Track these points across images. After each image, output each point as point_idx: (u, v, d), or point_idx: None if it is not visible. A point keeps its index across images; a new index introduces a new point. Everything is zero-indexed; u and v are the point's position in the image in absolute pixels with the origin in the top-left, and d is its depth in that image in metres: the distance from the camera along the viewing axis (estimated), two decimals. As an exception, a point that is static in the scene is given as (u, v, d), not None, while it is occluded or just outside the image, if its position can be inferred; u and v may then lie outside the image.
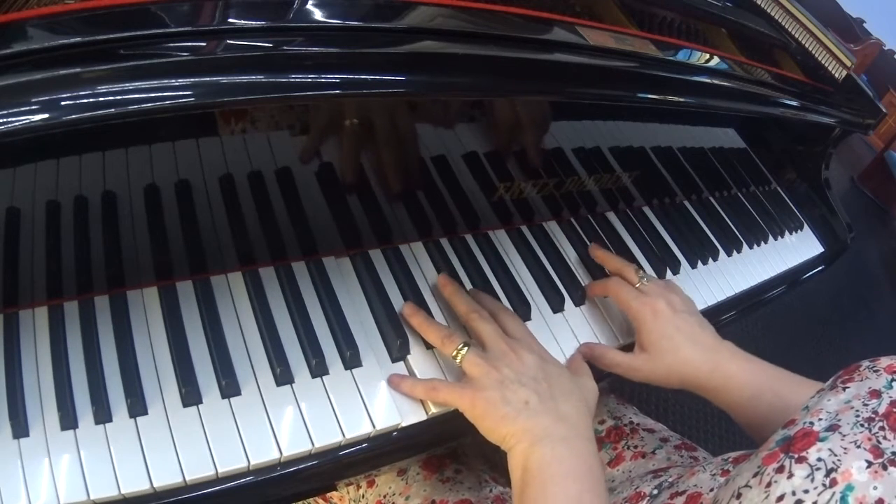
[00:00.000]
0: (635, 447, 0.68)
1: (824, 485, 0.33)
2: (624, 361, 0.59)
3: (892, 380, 0.38)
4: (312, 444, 0.46)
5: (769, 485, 0.35)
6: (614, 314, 0.65)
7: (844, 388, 0.39)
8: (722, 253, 0.81)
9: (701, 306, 0.73)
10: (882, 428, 0.35)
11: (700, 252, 0.78)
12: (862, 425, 0.35)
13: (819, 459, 0.34)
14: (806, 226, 0.99)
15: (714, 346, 0.57)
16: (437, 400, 0.50)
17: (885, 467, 0.32)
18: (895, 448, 0.34)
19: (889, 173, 3.31)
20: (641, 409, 0.78)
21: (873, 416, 0.36)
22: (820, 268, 0.95)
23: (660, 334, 0.57)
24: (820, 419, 0.37)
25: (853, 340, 2.19)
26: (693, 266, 0.77)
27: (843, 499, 0.32)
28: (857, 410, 0.36)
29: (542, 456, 0.45)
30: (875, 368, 0.39)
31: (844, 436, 0.35)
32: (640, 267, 0.64)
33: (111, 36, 0.35)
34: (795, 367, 0.56)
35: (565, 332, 0.61)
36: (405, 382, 0.51)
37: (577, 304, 0.64)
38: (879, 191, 3.35)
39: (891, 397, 0.37)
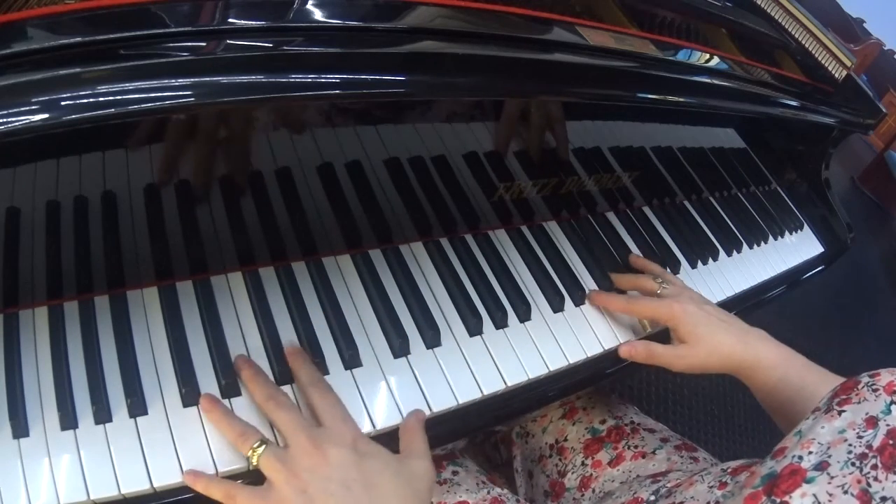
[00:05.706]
0: (636, 447, 0.68)
1: None
2: (668, 353, 0.61)
3: (892, 403, 0.35)
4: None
5: None
6: (614, 314, 0.65)
7: (840, 413, 0.36)
8: (722, 253, 0.81)
9: (701, 306, 0.73)
10: (875, 466, 0.32)
11: (700, 252, 0.78)
12: (853, 464, 0.33)
13: None
14: (806, 226, 0.99)
15: (745, 329, 0.60)
16: None
17: None
18: (885, 493, 0.31)
19: (889, 173, 3.31)
20: (642, 409, 0.78)
21: (867, 451, 0.33)
22: (820, 268, 0.95)
23: (694, 324, 0.59)
24: (810, 452, 0.34)
25: (853, 341, 2.19)
26: (693, 266, 0.77)
27: None
28: (851, 444, 0.34)
29: None
30: (874, 387, 0.37)
31: (833, 477, 0.32)
32: (660, 273, 0.67)
33: (111, 36, 0.35)
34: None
35: (565, 332, 0.61)
36: (200, 481, 0.42)
37: (577, 304, 0.64)
38: (879, 191, 3.35)
39: (888, 426, 0.34)
